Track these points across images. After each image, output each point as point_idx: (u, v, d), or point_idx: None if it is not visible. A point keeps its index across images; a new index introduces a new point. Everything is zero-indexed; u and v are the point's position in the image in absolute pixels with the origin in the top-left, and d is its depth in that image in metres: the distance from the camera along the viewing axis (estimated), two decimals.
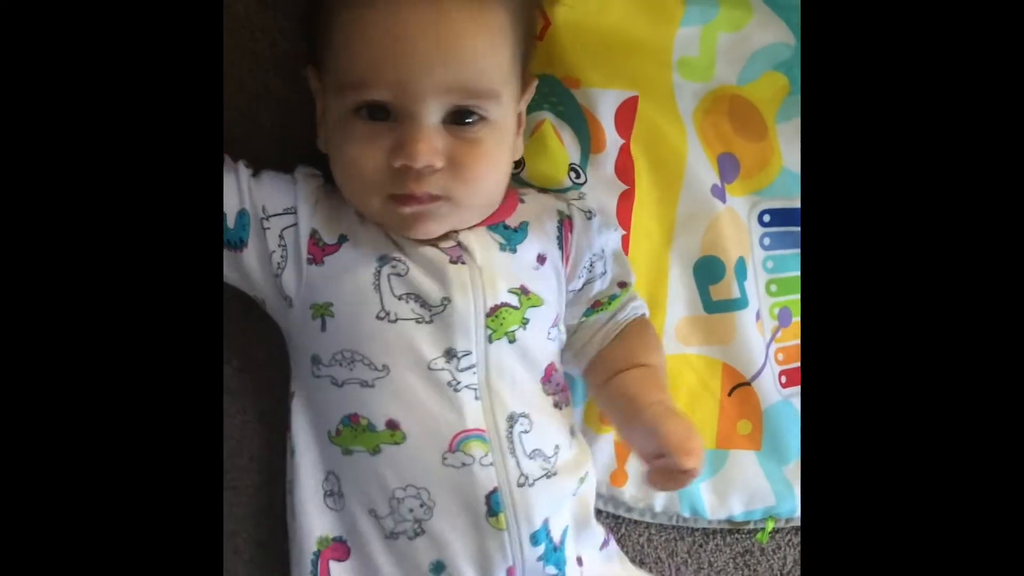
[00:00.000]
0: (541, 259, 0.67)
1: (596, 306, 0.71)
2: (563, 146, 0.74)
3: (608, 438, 0.78)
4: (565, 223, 0.69)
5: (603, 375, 0.69)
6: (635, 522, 0.80)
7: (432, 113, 0.60)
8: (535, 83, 0.69)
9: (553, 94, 0.73)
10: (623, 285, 0.72)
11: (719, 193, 0.76)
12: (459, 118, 0.61)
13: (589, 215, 0.71)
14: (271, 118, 0.70)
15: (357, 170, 0.62)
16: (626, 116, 0.73)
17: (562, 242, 0.69)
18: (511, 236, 0.66)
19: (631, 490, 0.79)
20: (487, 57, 0.61)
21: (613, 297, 0.71)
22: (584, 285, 0.71)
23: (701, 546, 0.82)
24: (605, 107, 0.73)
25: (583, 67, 0.72)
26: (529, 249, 0.67)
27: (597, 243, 0.70)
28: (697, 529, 0.81)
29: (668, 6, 0.72)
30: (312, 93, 0.66)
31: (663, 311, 0.77)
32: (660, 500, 0.79)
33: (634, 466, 0.78)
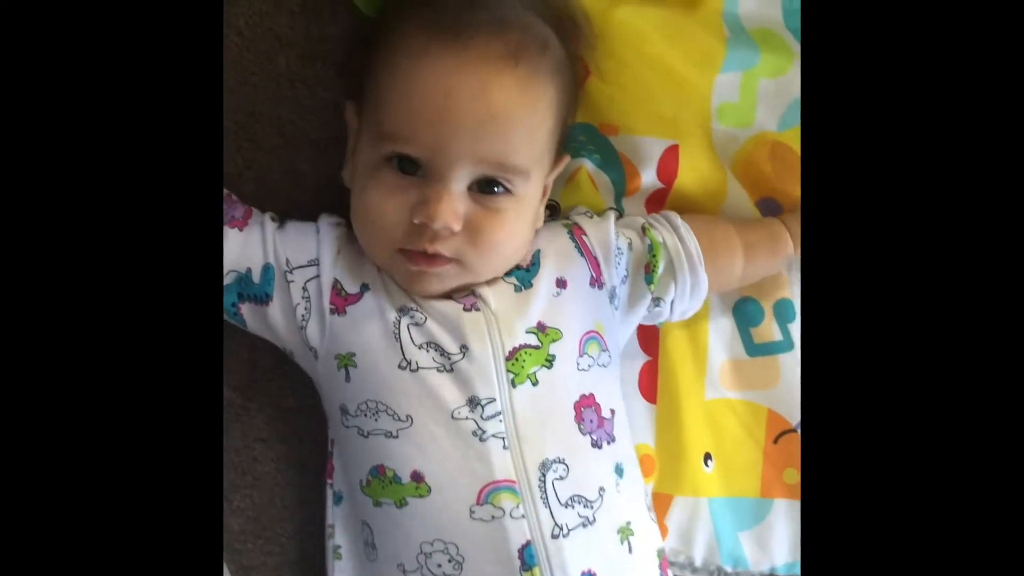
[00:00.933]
0: (561, 283, 0.67)
1: (648, 269, 0.70)
2: (597, 192, 0.74)
3: (646, 490, 0.76)
4: (575, 230, 0.70)
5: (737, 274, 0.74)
6: None
7: (461, 179, 0.60)
8: (566, 159, 0.70)
9: (591, 142, 0.73)
10: (644, 230, 0.71)
11: None
12: (486, 187, 0.61)
13: (589, 214, 0.72)
14: (310, 164, 0.71)
15: (376, 217, 0.62)
16: (670, 163, 0.73)
17: (581, 248, 0.69)
18: (525, 275, 0.66)
19: (671, 543, 0.77)
20: (526, 137, 0.61)
21: (651, 250, 0.70)
22: (629, 267, 0.70)
23: None
24: (643, 153, 0.72)
25: (621, 114, 0.72)
26: (546, 279, 0.66)
27: (611, 229, 0.70)
28: None
29: (708, 52, 0.71)
30: (347, 127, 0.67)
31: (705, 354, 0.76)
32: (700, 552, 0.77)
33: (675, 519, 0.77)
